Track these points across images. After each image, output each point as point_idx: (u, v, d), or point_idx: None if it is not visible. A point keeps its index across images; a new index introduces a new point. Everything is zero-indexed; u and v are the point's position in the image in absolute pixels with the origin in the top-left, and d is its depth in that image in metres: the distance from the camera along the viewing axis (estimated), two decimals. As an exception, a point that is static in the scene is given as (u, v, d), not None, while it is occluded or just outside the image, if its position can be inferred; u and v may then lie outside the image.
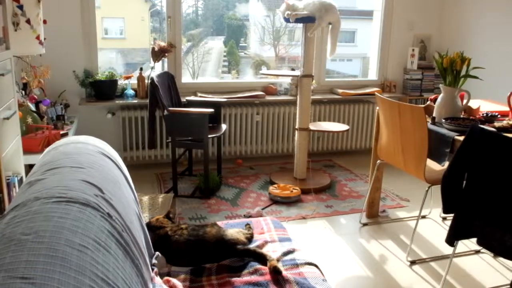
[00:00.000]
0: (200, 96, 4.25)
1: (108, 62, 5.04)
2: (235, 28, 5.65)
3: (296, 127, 3.95)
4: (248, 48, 5.70)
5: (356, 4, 6.90)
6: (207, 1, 5.97)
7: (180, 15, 4.30)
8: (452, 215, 2.28)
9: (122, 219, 1.37)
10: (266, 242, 1.92)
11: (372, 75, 5.08)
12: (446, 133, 2.58)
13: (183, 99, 4.02)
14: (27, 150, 2.81)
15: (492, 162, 2.09)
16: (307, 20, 3.60)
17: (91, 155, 1.70)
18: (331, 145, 4.82)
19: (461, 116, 2.82)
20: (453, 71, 2.69)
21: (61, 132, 3.20)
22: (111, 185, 1.52)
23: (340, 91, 4.68)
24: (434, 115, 2.83)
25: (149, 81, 3.65)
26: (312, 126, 3.99)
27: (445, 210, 2.29)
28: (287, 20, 3.64)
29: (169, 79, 3.92)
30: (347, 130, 4.01)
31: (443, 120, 2.66)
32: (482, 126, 2.50)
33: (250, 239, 1.91)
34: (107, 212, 1.29)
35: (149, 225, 1.89)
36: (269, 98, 4.45)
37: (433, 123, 2.76)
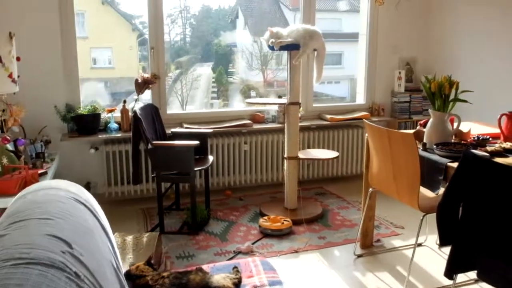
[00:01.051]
0: (186, 127, 4.16)
1: (95, 93, 5.02)
2: (223, 54, 5.63)
3: (285, 156, 3.86)
4: (237, 74, 5.67)
5: (342, 27, 6.93)
6: (195, 28, 5.98)
7: (163, 46, 4.24)
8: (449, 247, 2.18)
9: (93, 276, 1.24)
10: (255, 287, 1.79)
11: (360, 99, 5.03)
12: (438, 160, 2.49)
13: (169, 131, 3.92)
14: (3, 193, 2.67)
15: (488, 190, 2.00)
16: (292, 48, 3.54)
17: (62, 202, 1.58)
18: (321, 171, 4.72)
19: (452, 140, 2.75)
20: (441, 95, 2.62)
21: (40, 171, 3.07)
22: (82, 237, 1.40)
23: (328, 116, 4.62)
24: (424, 140, 2.75)
25: (132, 114, 3.55)
26: (301, 154, 3.90)
27: (442, 242, 2.19)
28: (271, 48, 3.59)
29: (153, 111, 3.82)
30: (337, 157, 3.92)
31: (434, 146, 2.58)
32: (474, 151, 2.42)
33: (238, 284, 1.79)
34: (75, 272, 1.17)
35: (128, 274, 1.76)
36: (257, 126, 4.37)
37: (424, 149, 2.68)
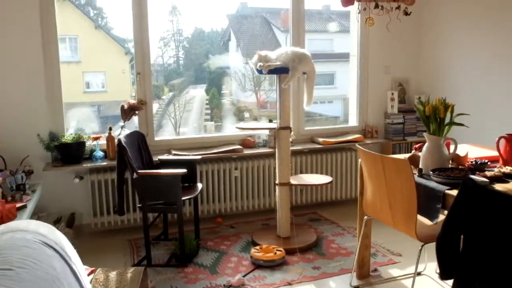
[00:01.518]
0: (175, 154, 4.03)
1: (87, 118, 5.02)
2: (216, 76, 5.59)
3: (276, 182, 3.73)
4: (230, 96, 5.61)
5: (334, 47, 6.91)
6: (187, 51, 6.00)
7: (150, 71, 4.14)
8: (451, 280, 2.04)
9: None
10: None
11: (353, 120, 4.94)
12: (436, 187, 2.37)
13: (157, 159, 3.79)
14: (-24, 230, 2.52)
15: (490, 219, 1.88)
16: (281, 71, 3.45)
17: (28, 248, 1.44)
18: (315, 196, 4.58)
19: (450, 165, 2.64)
20: (436, 119, 2.52)
21: (18, 204, 2.92)
22: (44, 290, 1.25)
23: (321, 139, 4.50)
24: (420, 166, 2.63)
25: (116, 142, 3.42)
26: (294, 180, 3.77)
27: (443, 276, 2.06)
28: (260, 71, 3.49)
29: (139, 138, 3.70)
30: (331, 182, 3.79)
31: (431, 172, 2.46)
32: (474, 177, 2.31)
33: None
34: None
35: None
36: (247, 151, 4.25)
37: (420, 175, 2.56)
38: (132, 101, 4.03)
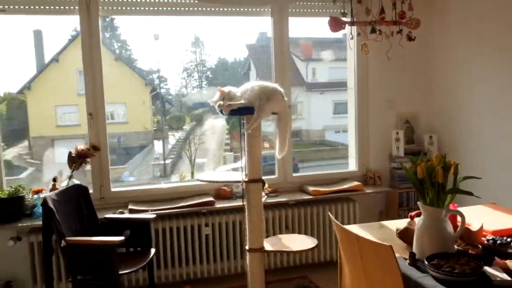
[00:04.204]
0: (130, 210, 3.36)
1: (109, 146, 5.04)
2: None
3: (246, 247, 3.00)
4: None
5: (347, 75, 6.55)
6: (210, 81, 5.91)
7: (103, 112, 3.53)
8: None
9: None
10: None
11: (352, 164, 4.20)
12: (433, 286, 1.62)
13: (103, 216, 3.14)
14: None
15: None
16: (245, 112, 2.76)
17: None
18: (305, 257, 3.81)
19: (456, 247, 1.88)
20: (434, 184, 1.78)
21: None
22: None
23: (311, 189, 3.77)
24: (414, 249, 1.88)
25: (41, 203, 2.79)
26: (269, 244, 3.03)
27: None
28: (222, 112, 2.82)
29: (79, 193, 3.06)
30: (316, 247, 3.03)
31: (427, 263, 1.71)
32: (489, 271, 1.55)
33: None
34: None
35: None
36: (221, 204, 3.55)
37: (413, 263, 1.81)
38: (81, 147, 3.40)
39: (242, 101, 2.75)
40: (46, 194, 2.83)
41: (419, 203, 1.87)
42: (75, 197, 3.01)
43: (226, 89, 2.83)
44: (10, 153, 9.49)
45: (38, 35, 8.01)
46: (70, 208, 2.90)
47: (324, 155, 11.20)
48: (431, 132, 4.11)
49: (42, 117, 8.18)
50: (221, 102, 2.76)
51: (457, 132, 3.88)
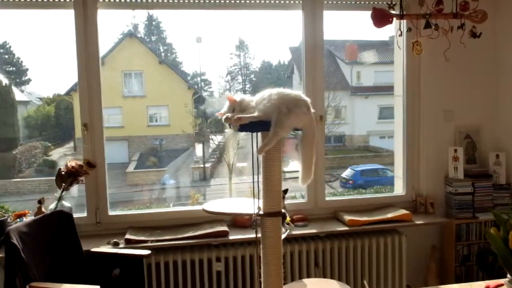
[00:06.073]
0: (126, 239, 2.80)
1: (150, 150, 4.98)
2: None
3: (261, 297, 2.37)
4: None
5: (394, 79, 6.15)
6: (254, 84, 6.45)
7: (101, 122, 3.00)
8: None
9: None
10: None
11: (399, 187, 3.49)
12: None
13: (97, 245, 2.61)
14: None
15: None
16: (260, 127, 2.13)
17: None
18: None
19: None
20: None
21: None
22: None
23: (347, 218, 3.09)
24: None
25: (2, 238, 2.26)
26: (290, 293, 2.39)
27: None
28: (230, 126, 2.20)
29: (60, 222, 2.52)
30: (350, 298, 2.37)
31: None
32: None
33: None
34: None
35: None
36: (236, 236, 2.94)
37: None
38: (72, 163, 2.88)
39: (256, 114, 2.13)
40: (12, 226, 2.31)
41: (505, 280, 1.18)
42: (55, 226, 2.48)
43: (238, 97, 2.21)
44: (57, 154, 9.43)
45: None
46: (45, 241, 2.38)
47: (368, 161, 10.65)
48: (498, 149, 3.35)
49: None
50: (229, 115, 2.15)
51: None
